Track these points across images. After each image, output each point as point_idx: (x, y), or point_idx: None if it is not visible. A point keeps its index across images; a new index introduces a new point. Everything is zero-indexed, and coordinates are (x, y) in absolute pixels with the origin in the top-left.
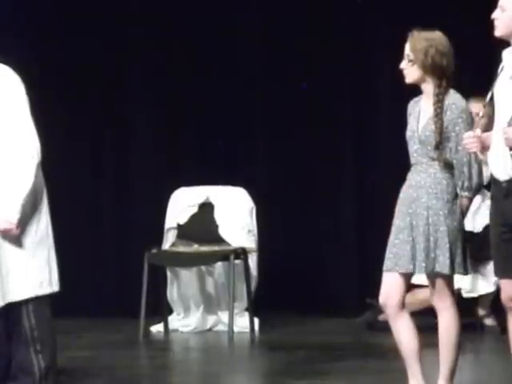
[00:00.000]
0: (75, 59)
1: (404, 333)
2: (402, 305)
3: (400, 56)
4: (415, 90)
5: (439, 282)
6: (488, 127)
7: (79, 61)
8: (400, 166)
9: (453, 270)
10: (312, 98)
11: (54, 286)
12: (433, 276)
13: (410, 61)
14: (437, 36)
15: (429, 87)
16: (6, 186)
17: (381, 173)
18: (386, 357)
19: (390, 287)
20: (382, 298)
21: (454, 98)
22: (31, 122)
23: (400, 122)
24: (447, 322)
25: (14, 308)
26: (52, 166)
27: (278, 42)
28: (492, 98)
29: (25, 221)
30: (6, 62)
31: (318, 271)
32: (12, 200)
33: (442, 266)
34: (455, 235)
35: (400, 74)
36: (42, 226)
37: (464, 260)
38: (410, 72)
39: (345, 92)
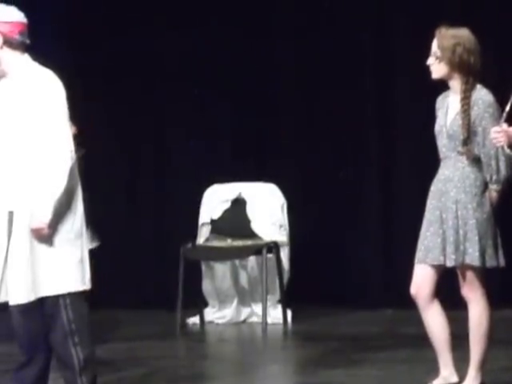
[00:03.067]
0: (114, 55)
1: (435, 324)
2: (433, 296)
3: (423, 48)
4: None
5: (469, 274)
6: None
7: (118, 57)
8: (425, 156)
9: (483, 262)
10: (337, 94)
11: (86, 284)
12: (463, 268)
13: (437, 58)
14: (464, 33)
15: (456, 83)
16: (39, 188)
17: (407, 165)
18: (415, 346)
19: (422, 279)
20: (413, 289)
21: (480, 93)
22: (67, 127)
23: (425, 115)
24: (478, 313)
25: (51, 302)
26: (90, 166)
27: (304, 36)
28: None
29: (60, 220)
30: (42, 62)
31: (347, 264)
32: (44, 202)
33: (472, 258)
34: (485, 228)
35: (426, 70)
36: (77, 226)
37: (495, 252)
38: (437, 68)
39: (369, 87)
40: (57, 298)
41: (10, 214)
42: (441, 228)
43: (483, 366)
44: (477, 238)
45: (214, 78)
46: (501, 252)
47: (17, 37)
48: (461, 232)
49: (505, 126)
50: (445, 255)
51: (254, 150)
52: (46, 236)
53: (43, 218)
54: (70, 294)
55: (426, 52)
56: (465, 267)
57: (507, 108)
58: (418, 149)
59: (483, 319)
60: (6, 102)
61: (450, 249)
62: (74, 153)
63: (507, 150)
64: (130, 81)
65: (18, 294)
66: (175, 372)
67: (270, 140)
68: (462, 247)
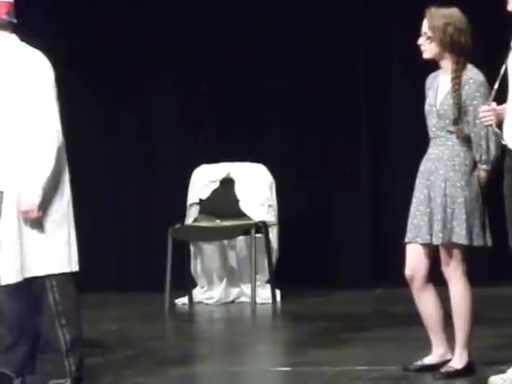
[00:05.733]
0: (101, 36)
1: (430, 305)
2: (428, 277)
3: (416, 29)
4: (431, 65)
5: (454, 253)
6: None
7: (105, 36)
8: (415, 137)
9: (470, 241)
10: (327, 73)
11: (73, 266)
12: (449, 246)
13: (428, 38)
14: (455, 13)
15: (447, 63)
16: (27, 170)
17: (395, 143)
18: (403, 325)
19: (417, 260)
20: (408, 271)
21: (471, 72)
22: (55, 108)
23: (415, 95)
24: (459, 291)
25: (38, 283)
26: (77, 150)
27: (289, 18)
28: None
29: (46, 202)
30: (33, 41)
31: (336, 243)
32: (33, 183)
33: (459, 236)
34: (472, 206)
35: (417, 49)
36: (63, 207)
37: (483, 231)
38: (429, 49)
39: (359, 66)
40: (43, 279)
41: (0, 194)
42: (428, 207)
43: (469, 344)
44: (464, 216)
45: (202, 60)
46: (488, 231)
47: (4, 16)
48: (448, 210)
49: (493, 104)
50: (431, 234)
51: (242, 129)
52: (35, 218)
53: (33, 200)
54: (56, 276)
55: (418, 31)
56: (451, 245)
57: (496, 86)
58: (408, 128)
59: (465, 297)
60: None
61: (437, 227)
62: (61, 133)
63: (496, 129)
64: (116, 64)
65: (8, 275)
66: (164, 353)
67: (258, 120)
68: (449, 225)
